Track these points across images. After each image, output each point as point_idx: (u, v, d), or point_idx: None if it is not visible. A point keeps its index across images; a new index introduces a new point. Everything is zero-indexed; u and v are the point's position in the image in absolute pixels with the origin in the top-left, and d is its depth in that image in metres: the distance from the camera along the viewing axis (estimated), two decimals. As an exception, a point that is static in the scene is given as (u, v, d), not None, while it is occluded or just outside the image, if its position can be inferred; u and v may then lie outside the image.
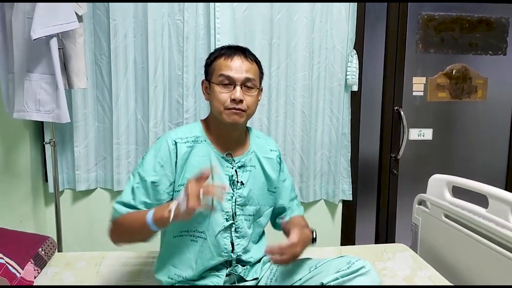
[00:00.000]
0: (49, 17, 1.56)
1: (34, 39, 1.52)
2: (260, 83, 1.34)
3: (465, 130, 2.51)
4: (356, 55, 2.21)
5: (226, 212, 1.30)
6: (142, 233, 1.20)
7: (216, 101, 1.26)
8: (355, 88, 2.25)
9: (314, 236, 1.34)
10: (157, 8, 2.05)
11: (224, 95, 1.25)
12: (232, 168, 1.33)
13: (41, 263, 1.58)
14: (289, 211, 1.50)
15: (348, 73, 2.21)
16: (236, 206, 1.32)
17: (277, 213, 1.51)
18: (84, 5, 1.79)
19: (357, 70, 2.22)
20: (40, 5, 1.53)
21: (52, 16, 1.57)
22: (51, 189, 2.11)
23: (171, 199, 1.28)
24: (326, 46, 2.21)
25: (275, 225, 1.55)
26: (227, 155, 1.33)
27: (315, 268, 1.27)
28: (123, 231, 1.26)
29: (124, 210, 1.24)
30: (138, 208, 1.24)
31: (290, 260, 1.20)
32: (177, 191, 1.28)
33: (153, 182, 1.24)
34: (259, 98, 1.35)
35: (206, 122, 1.37)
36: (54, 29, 1.58)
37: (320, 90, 2.25)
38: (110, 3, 2.01)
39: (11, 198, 1.92)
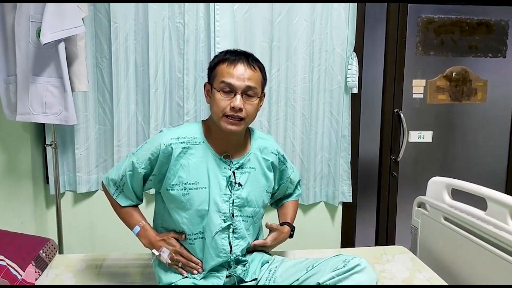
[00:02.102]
0: (57, 21, 1.58)
1: (44, 44, 1.54)
2: (263, 90, 1.35)
3: (465, 133, 2.51)
4: (356, 58, 2.22)
5: (224, 213, 1.32)
6: (128, 227, 1.40)
7: (215, 107, 1.27)
8: (355, 90, 2.25)
9: (292, 232, 1.51)
10: (158, 11, 2.06)
11: (224, 102, 1.26)
12: (230, 169, 1.34)
13: (42, 265, 1.59)
14: (291, 195, 1.63)
15: (348, 75, 2.22)
16: (234, 207, 1.33)
17: (281, 196, 1.62)
18: (85, 8, 1.80)
19: (357, 73, 2.23)
20: (48, 10, 1.55)
21: (60, 21, 1.59)
22: (52, 191, 2.12)
23: (159, 192, 1.39)
24: (326, 49, 2.22)
25: (276, 205, 1.66)
26: (224, 156, 1.34)
27: (312, 268, 1.29)
28: (118, 215, 1.42)
29: (113, 189, 1.39)
30: (125, 193, 1.38)
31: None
32: (169, 190, 1.30)
33: (142, 174, 1.33)
34: (261, 104, 1.36)
35: (207, 124, 1.38)
36: (63, 33, 1.60)
37: (320, 92, 2.26)
38: (111, 6, 2.02)
39: (13, 200, 1.93)
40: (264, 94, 1.37)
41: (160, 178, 1.34)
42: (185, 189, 1.29)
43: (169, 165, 1.30)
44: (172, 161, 1.29)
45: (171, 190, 1.30)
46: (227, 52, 1.32)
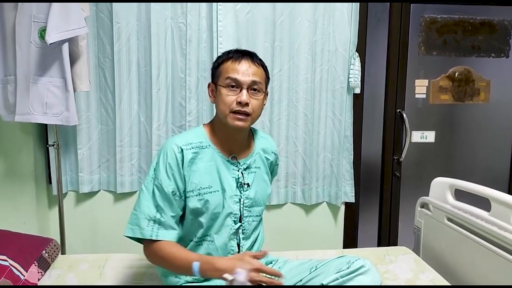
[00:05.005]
0: (63, 22, 1.58)
1: (50, 44, 1.54)
2: (266, 87, 1.36)
3: (468, 133, 2.50)
4: (359, 58, 2.21)
5: (234, 214, 1.32)
6: (183, 273, 1.26)
7: (222, 103, 1.27)
8: (357, 90, 2.25)
9: None
10: (160, 11, 2.05)
11: (230, 97, 1.26)
12: (238, 170, 1.34)
13: (44, 266, 1.59)
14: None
15: (350, 75, 2.21)
16: (244, 208, 1.34)
17: None
18: (87, 8, 1.80)
19: (360, 73, 2.22)
20: (53, 10, 1.55)
21: (65, 21, 1.59)
22: (54, 191, 2.12)
23: (184, 206, 1.29)
24: (329, 49, 2.22)
25: None
26: (232, 158, 1.34)
27: (316, 269, 1.29)
28: (165, 263, 1.27)
29: (151, 231, 1.23)
30: (166, 223, 1.24)
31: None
32: (185, 198, 1.29)
33: (172, 192, 1.26)
34: (265, 102, 1.36)
35: (210, 126, 1.38)
36: (68, 33, 1.60)
37: (322, 92, 2.25)
38: (114, 6, 2.02)
39: (15, 200, 1.93)
40: (267, 92, 1.38)
41: (182, 188, 1.28)
42: (199, 195, 1.28)
43: (184, 172, 1.27)
44: (185, 167, 1.27)
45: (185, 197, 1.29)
46: (230, 51, 1.33)
